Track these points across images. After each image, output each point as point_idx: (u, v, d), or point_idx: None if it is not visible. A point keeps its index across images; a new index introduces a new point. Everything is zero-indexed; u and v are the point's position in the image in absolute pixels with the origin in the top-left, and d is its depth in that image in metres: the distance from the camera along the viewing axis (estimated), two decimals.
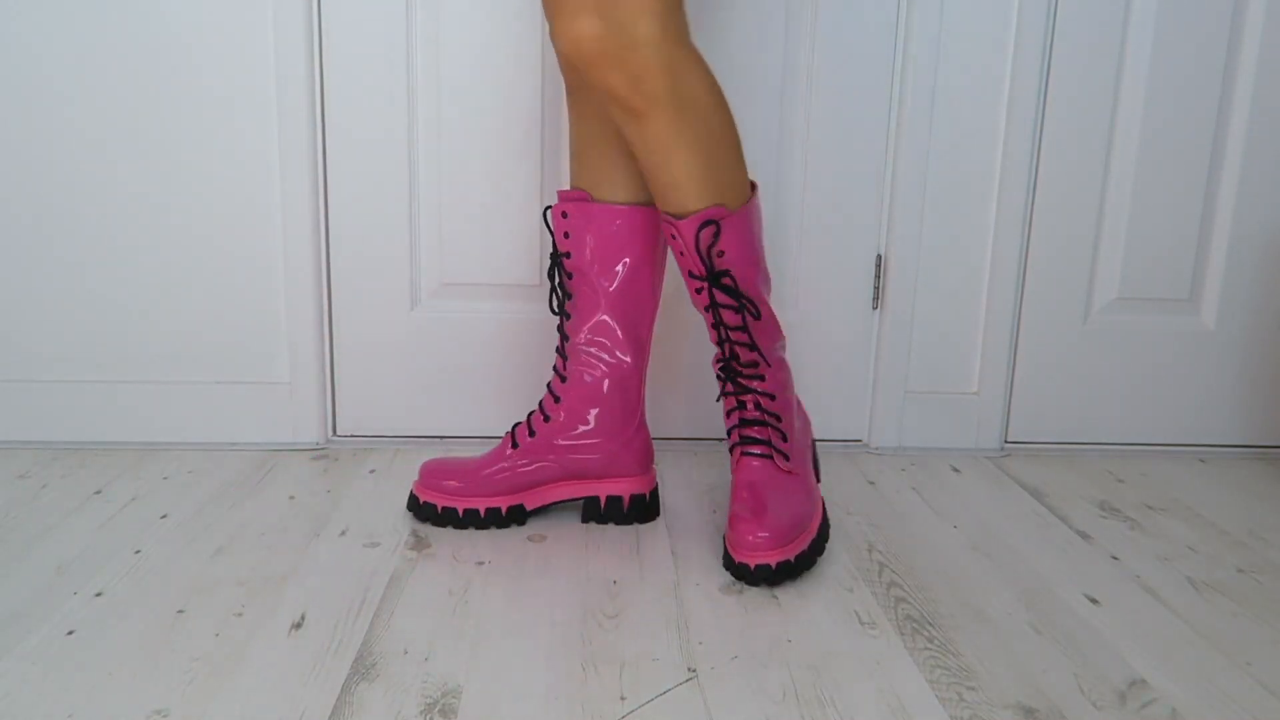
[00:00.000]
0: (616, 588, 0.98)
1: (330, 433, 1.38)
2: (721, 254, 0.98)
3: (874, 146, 1.35)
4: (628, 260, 1.07)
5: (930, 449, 1.41)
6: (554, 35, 0.94)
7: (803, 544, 1.00)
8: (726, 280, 0.99)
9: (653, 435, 1.41)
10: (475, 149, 1.32)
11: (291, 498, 1.18)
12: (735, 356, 1.03)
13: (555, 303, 1.15)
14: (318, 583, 0.97)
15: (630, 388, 1.11)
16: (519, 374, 1.38)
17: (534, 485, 1.11)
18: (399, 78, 1.29)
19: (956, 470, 1.34)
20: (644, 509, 1.13)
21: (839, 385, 1.41)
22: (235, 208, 1.30)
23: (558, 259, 1.10)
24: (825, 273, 1.38)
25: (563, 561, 1.03)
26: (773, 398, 1.04)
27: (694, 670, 0.83)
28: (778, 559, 0.97)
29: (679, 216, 0.98)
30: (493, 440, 1.39)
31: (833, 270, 1.38)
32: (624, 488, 1.12)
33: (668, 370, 1.39)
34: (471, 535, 1.09)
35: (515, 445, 1.11)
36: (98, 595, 0.93)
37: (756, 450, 1.04)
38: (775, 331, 1.05)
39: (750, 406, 1.04)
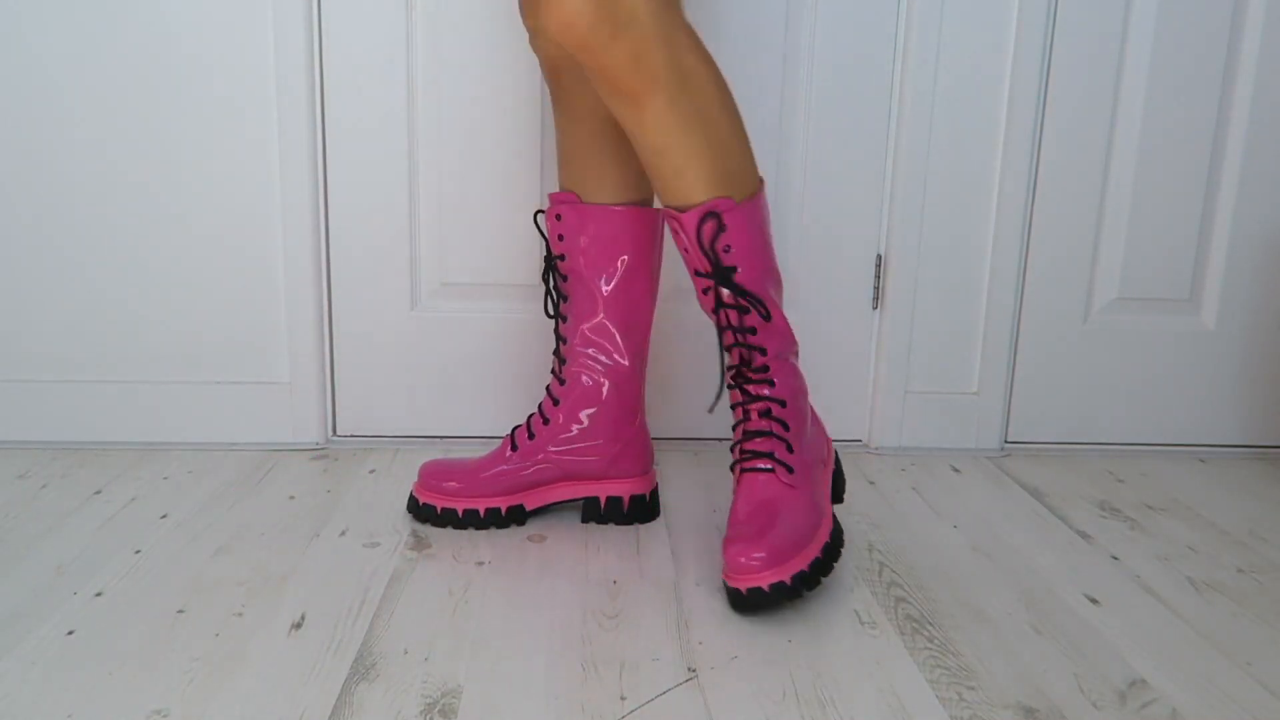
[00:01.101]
0: (616, 588, 0.98)
1: (330, 433, 1.38)
2: (728, 249, 0.93)
3: (874, 146, 1.35)
4: (624, 260, 1.07)
5: (930, 449, 1.41)
6: (539, 28, 0.89)
7: (801, 564, 0.92)
8: (735, 277, 0.94)
9: (653, 435, 1.41)
10: (475, 149, 1.32)
11: (291, 498, 1.18)
12: (747, 362, 0.98)
13: (550, 305, 1.15)
14: (318, 583, 0.97)
15: (629, 389, 1.10)
16: (519, 374, 1.38)
17: (534, 486, 1.11)
18: (399, 78, 1.29)
19: (956, 470, 1.34)
20: (644, 509, 1.13)
21: (839, 385, 1.41)
22: (235, 207, 1.30)
23: (552, 261, 1.10)
24: (825, 273, 1.38)
25: (563, 561, 1.03)
26: (783, 404, 0.98)
27: (694, 670, 0.83)
28: (771, 580, 0.90)
29: (682, 209, 0.94)
30: (493, 440, 1.39)
31: (833, 270, 1.38)
32: (624, 488, 1.12)
33: (667, 370, 1.39)
34: (471, 535, 1.09)
35: (515, 448, 1.10)
36: (98, 595, 0.93)
37: (761, 465, 0.97)
38: (787, 337, 0.99)
39: (755, 416, 0.98)
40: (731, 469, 1.01)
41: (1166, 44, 1.34)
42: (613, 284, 1.07)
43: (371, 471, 1.27)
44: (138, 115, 1.27)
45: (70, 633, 0.86)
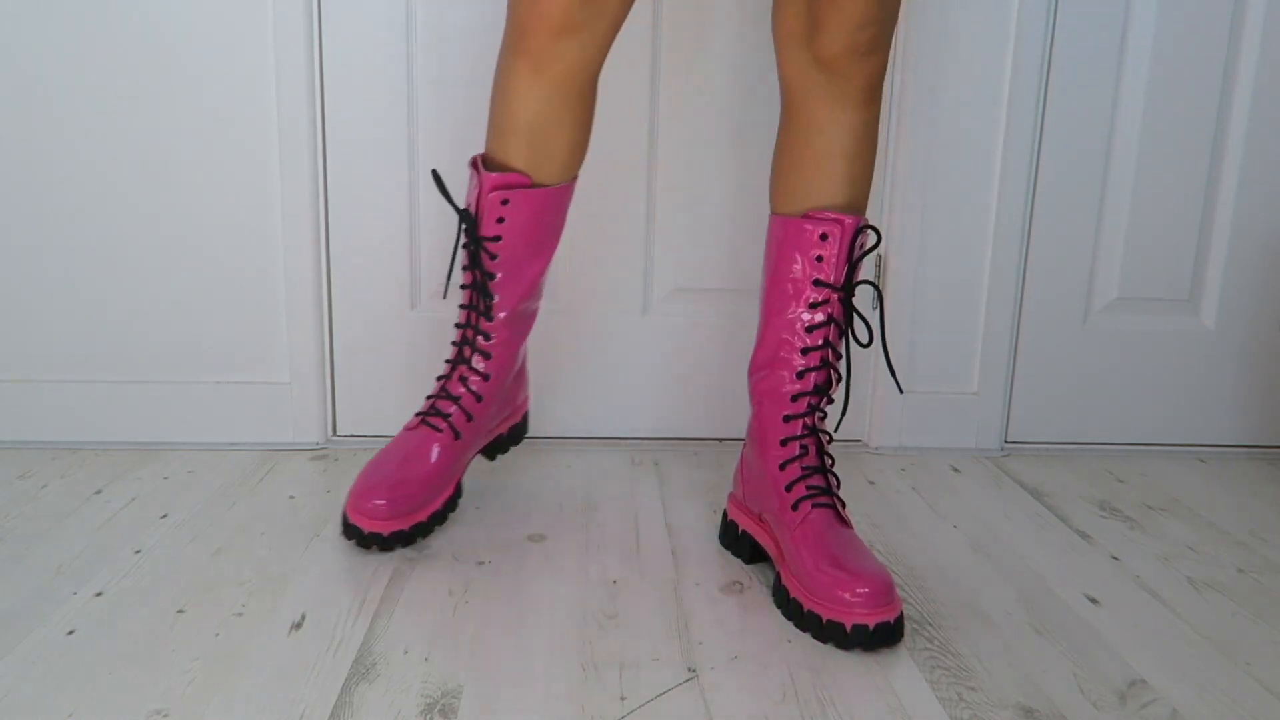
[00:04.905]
0: (616, 588, 0.98)
1: (330, 433, 1.38)
2: (856, 266, 0.94)
3: None
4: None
5: (930, 449, 1.41)
6: (822, 45, 0.92)
7: (899, 606, 0.87)
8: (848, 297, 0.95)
9: (655, 435, 1.41)
10: (474, 149, 1.31)
11: (291, 498, 1.18)
12: (824, 389, 0.96)
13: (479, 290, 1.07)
14: (318, 583, 0.97)
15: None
16: None
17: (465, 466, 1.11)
18: (399, 78, 1.29)
19: (956, 470, 1.34)
20: (520, 432, 1.17)
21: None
22: (235, 208, 1.30)
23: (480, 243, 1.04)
24: None
25: (563, 561, 1.03)
26: (831, 439, 0.98)
27: (694, 670, 0.83)
28: (877, 619, 0.85)
29: (844, 213, 0.93)
30: None
31: None
32: (507, 425, 1.15)
33: (671, 370, 1.39)
34: (471, 535, 1.09)
35: (459, 436, 1.06)
36: (98, 595, 0.93)
37: (823, 501, 0.93)
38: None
39: (813, 453, 0.95)
40: (795, 506, 0.94)
41: (1166, 44, 1.34)
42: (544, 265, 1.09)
43: None
44: (136, 115, 1.27)
45: (70, 633, 0.86)
